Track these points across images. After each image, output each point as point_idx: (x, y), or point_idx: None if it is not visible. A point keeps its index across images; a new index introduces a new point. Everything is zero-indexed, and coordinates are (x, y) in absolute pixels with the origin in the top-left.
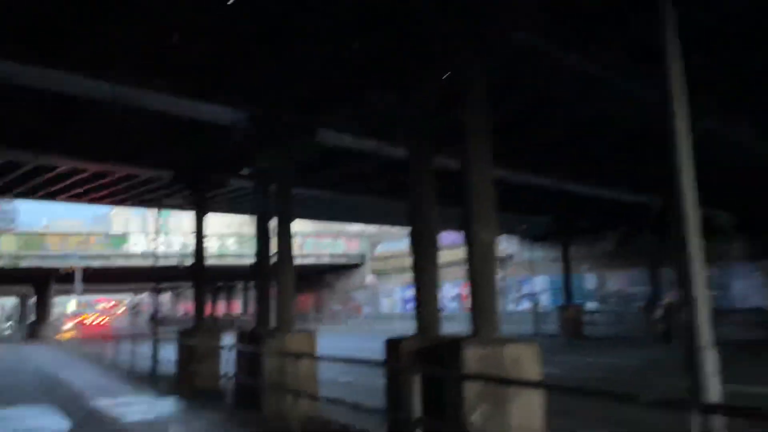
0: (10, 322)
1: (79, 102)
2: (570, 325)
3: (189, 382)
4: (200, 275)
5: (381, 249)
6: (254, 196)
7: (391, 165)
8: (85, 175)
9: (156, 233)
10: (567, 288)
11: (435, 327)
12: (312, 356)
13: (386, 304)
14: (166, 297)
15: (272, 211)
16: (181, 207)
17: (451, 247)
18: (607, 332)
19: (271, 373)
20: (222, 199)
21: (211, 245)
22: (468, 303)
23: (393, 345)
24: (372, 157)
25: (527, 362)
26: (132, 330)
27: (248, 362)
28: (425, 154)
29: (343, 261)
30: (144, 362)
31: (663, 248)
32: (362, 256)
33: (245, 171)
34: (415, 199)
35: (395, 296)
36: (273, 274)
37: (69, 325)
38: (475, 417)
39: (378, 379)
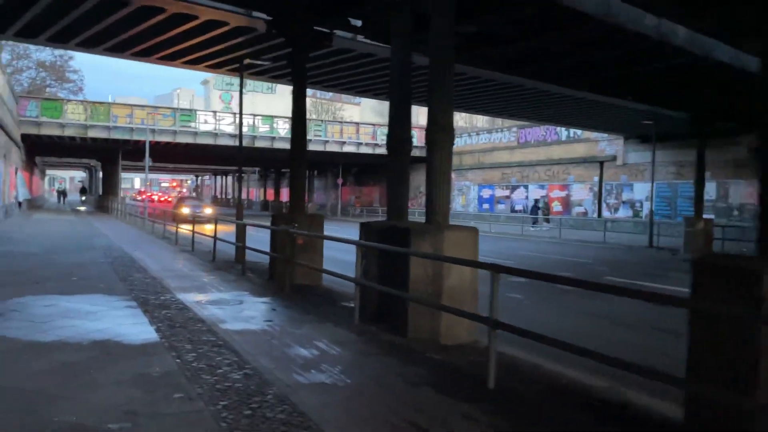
0: (84, 196)
1: None
2: (698, 239)
3: (285, 278)
4: (300, 158)
5: (458, 143)
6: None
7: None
8: (162, 17)
9: (239, 110)
10: (698, 197)
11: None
12: (476, 263)
13: (459, 202)
14: (225, 180)
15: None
16: (273, 77)
17: (537, 144)
18: (741, 251)
19: (419, 283)
20: (323, 69)
21: (281, 127)
22: None
23: None
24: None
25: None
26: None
27: (382, 263)
28: None
29: (417, 153)
30: (222, 246)
31: None
32: None
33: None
34: None
35: (470, 194)
36: (397, 161)
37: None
38: None
39: None
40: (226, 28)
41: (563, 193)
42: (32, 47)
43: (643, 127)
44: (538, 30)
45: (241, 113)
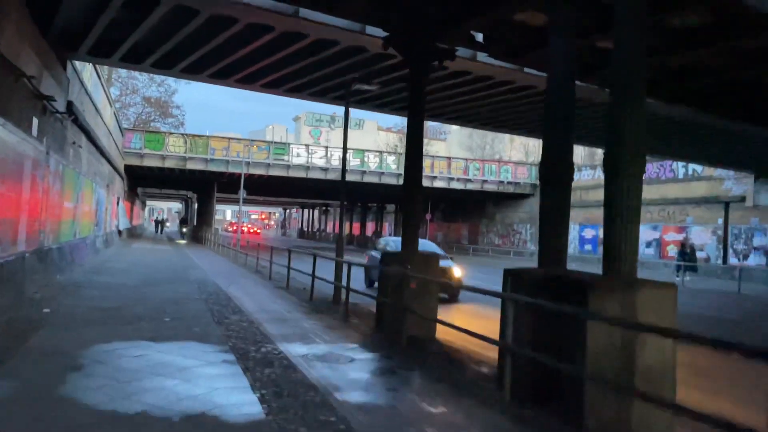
0: (185, 228)
1: None
2: None
3: (398, 328)
4: (414, 193)
5: None
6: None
7: None
8: (269, 36)
9: (343, 140)
10: None
11: None
12: (676, 333)
13: None
14: (312, 214)
15: (561, 100)
16: (379, 105)
17: (649, 182)
18: None
19: (601, 356)
20: (438, 95)
21: (371, 161)
22: None
23: None
24: None
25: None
26: (284, 242)
27: (539, 324)
28: None
29: (510, 189)
30: (318, 284)
31: None
32: (533, 186)
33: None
34: None
35: (570, 234)
36: (554, 192)
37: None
38: None
39: None
40: (334, 50)
41: (680, 236)
42: (140, 83)
43: None
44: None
45: (345, 143)
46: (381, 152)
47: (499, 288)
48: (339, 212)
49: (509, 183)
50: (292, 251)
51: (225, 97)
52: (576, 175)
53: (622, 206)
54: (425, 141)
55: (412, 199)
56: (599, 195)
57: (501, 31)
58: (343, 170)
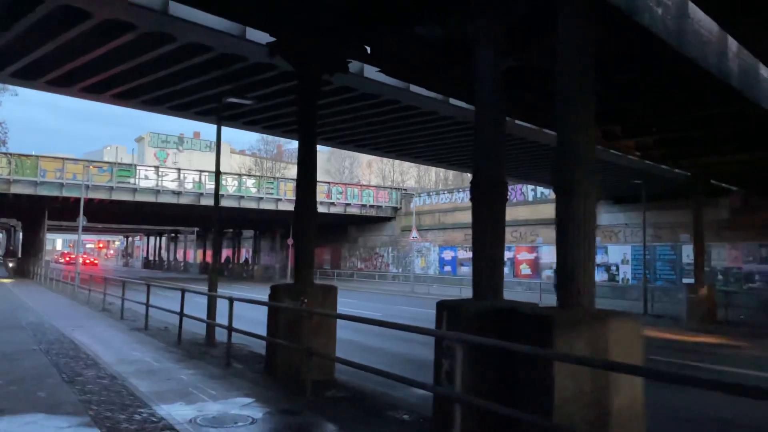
0: (11, 262)
1: None
2: (701, 307)
3: (292, 372)
4: (308, 218)
5: (417, 202)
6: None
7: None
8: (129, 37)
9: (216, 162)
10: (698, 262)
11: None
12: (643, 370)
13: (418, 264)
14: (158, 241)
15: (492, 112)
16: (249, 122)
17: None
18: (747, 318)
19: (568, 402)
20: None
21: (230, 184)
22: None
23: None
24: None
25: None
26: (128, 273)
27: (486, 367)
28: None
29: (372, 213)
30: (174, 320)
31: None
32: (395, 210)
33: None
34: None
35: (430, 256)
36: (489, 210)
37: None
38: None
39: None
40: (207, 56)
41: (531, 256)
42: None
43: (617, 189)
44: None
45: (218, 164)
46: (240, 175)
47: (379, 315)
48: (195, 240)
49: (371, 206)
50: (132, 283)
51: (54, 115)
52: (434, 199)
53: (579, 230)
54: (282, 165)
55: (305, 226)
56: (456, 218)
57: (395, 46)
58: (216, 193)
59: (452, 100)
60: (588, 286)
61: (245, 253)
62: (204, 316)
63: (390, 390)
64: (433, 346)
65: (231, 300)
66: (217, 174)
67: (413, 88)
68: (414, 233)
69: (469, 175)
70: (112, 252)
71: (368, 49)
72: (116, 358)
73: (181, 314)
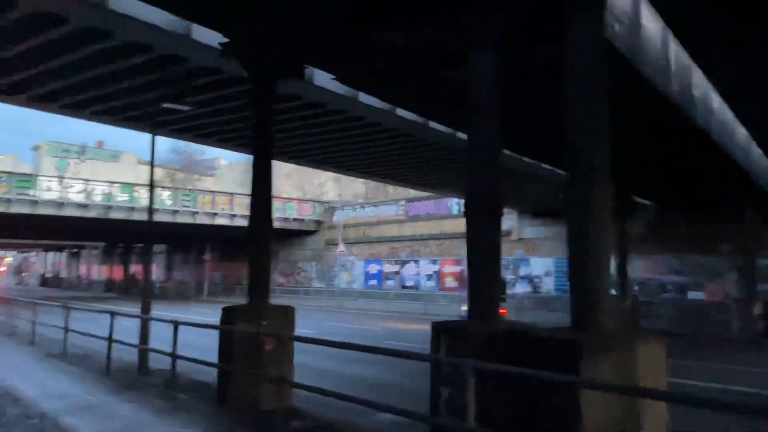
0: None
1: None
2: (626, 318)
3: (251, 402)
4: (263, 233)
5: (341, 216)
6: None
7: None
8: (62, 30)
9: (150, 173)
10: (623, 274)
11: None
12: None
13: (343, 279)
14: (53, 257)
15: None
16: (184, 129)
17: (428, 218)
18: (670, 328)
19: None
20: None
21: (142, 197)
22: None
23: None
24: None
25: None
26: (25, 292)
27: (496, 394)
28: None
29: (295, 226)
30: (96, 344)
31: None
32: (317, 223)
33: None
34: None
35: (355, 270)
36: (481, 225)
37: None
38: None
39: None
40: (145, 57)
41: (457, 269)
42: None
43: (537, 203)
44: None
45: (152, 175)
46: (155, 187)
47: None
48: (101, 255)
49: (294, 220)
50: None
51: None
52: (359, 212)
53: (595, 243)
54: (195, 176)
55: (260, 242)
56: (382, 231)
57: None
58: (150, 208)
59: (399, 111)
60: (606, 300)
61: (156, 269)
62: (128, 339)
63: (355, 416)
64: (394, 368)
65: (175, 324)
66: (152, 187)
67: (362, 97)
68: (341, 247)
69: (392, 188)
70: (3, 269)
71: (328, 54)
72: (41, 392)
73: (110, 339)
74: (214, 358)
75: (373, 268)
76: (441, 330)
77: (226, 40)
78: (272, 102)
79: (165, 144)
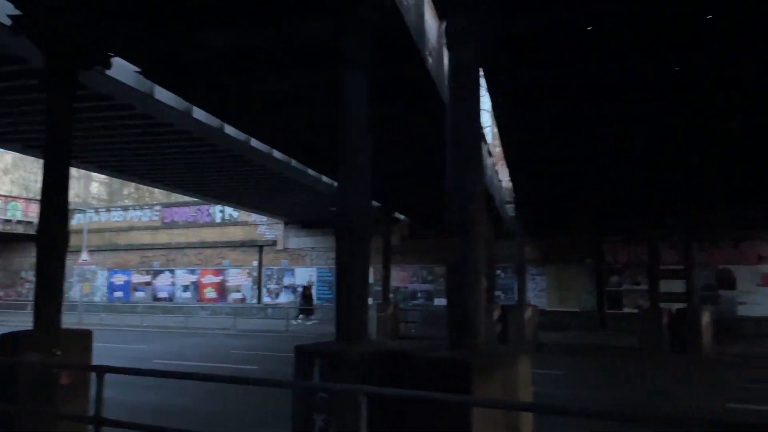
0: None
1: None
2: (389, 324)
3: None
4: (58, 237)
5: (81, 220)
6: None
7: None
8: None
9: None
10: (386, 283)
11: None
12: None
13: (79, 290)
14: None
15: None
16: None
17: (187, 225)
18: (421, 333)
19: None
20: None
21: None
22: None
23: None
24: None
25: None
26: None
27: (385, 418)
28: None
29: (19, 230)
30: None
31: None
32: None
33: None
34: None
35: (97, 281)
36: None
37: None
38: None
39: None
40: None
41: (218, 279)
42: None
43: (304, 214)
44: None
45: None
46: None
47: None
48: None
49: (18, 222)
50: None
51: None
52: (104, 216)
53: (474, 264)
54: None
55: (52, 253)
56: (132, 238)
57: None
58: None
59: (195, 113)
60: (479, 319)
61: None
62: None
63: None
64: (193, 394)
65: None
66: None
67: (158, 93)
68: (84, 255)
69: (150, 189)
70: None
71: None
72: None
73: None
74: None
75: (119, 279)
76: (311, 354)
77: (18, 12)
78: (72, 95)
79: None
